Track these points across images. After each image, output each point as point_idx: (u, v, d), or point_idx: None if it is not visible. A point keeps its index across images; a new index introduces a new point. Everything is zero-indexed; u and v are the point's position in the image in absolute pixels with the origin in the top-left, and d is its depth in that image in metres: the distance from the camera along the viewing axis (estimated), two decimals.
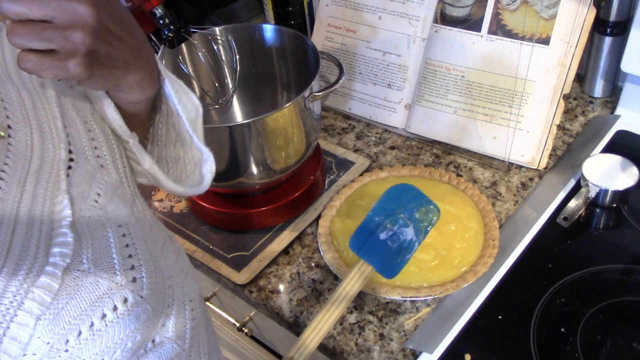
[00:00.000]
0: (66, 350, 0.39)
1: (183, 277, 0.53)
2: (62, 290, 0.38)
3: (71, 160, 0.44)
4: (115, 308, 0.41)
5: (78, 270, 0.39)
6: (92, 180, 0.45)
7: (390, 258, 0.62)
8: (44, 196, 0.40)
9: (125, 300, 0.41)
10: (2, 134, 0.41)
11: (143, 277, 0.43)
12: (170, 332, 0.48)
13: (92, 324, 0.39)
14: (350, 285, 0.61)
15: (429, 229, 0.64)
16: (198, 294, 0.56)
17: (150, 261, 0.46)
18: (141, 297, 0.43)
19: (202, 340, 0.54)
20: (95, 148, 0.48)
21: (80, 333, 0.39)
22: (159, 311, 0.46)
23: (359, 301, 0.76)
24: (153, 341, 0.46)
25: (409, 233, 0.62)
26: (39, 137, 0.43)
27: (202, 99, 0.98)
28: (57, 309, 0.38)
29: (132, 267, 0.43)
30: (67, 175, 0.43)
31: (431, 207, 0.65)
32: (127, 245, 0.43)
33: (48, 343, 0.38)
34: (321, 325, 0.60)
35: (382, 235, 0.62)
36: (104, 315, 0.40)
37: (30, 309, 0.37)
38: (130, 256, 0.43)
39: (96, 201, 0.44)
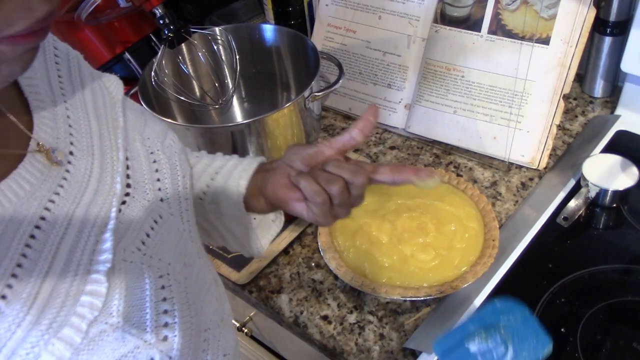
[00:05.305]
0: None
1: (222, 327, 0.51)
2: (83, 345, 0.36)
3: (127, 195, 0.42)
4: None
5: (106, 323, 0.37)
6: (145, 217, 0.43)
7: None
8: (90, 233, 0.38)
9: None
10: (61, 159, 0.39)
11: (176, 335, 0.41)
12: None
13: None
14: None
15: None
16: (233, 347, 0.53)
17: (188, 317, 0.43)
18: (169, 357, 0.40)
19: None
20: (158, 180, 0.46)
21: None
22: None
23: (359, 301, 0.76)
24: None
25: (506, 356, 0.51)
26: (98, 168, 0.41)
27: (202, 98, 0.98)
28: None
29: (166, 325, 0.40)
30: (119, 211, 0.41)
31: (540, 336, 0.52)
32: (164, 299, 0.41)
33: None
34: None
35: (472, 348, 0.52)
36: None
37: None
38: (165, 312, 0.41)
39: (143, 242, 0.41)
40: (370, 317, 0.74)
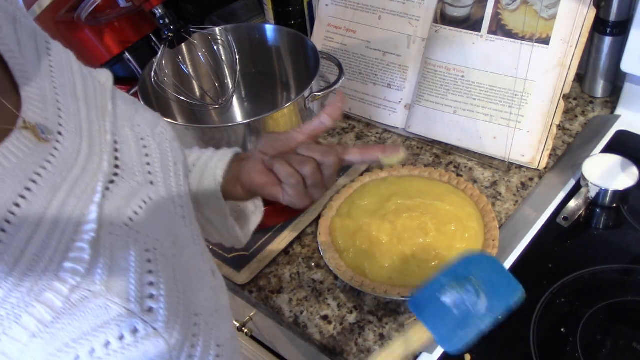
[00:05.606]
0: None
1: (216, 317, 0.50)
2: (65, 309, 0.35)
3: (115, 175, 0.43)
4: (121, 337, 0.38)
5: (88, 290, 0.36)
6: (133, 197, 0.43)
7: (452, 327, 0.52)
8: (75, 206, 0.38)
9: (135, 331, 0.38)
10: (50, 137, 0.39)
11: (161, 308, 0.40)
12: None
13: (92, 350, 0.37)
14: (397, 347, 0.53)
15: (502, 309, 0.52)
16: (228, 339, 0.52)
17: (175, 292, 0.42)
18: (154, 329, 0.39)
19: None
20: (148, 164, 0.46)
21: (77, 357, 0.36)
22: (178, 349, 0.42)
23: (359, 301, 0.76)
24: None
25: (479, 304, 0.51)
26: (87, 149, 0.42)
27: (202, 98, 0.98)
28: (56, 329, 0.35)
29: (151, 296, 0.40)
30: (107, 189, 0.41)
31: (512, 283, 0.53)
32: (150, 272, 0.40)
33: None
34: None
35: (446, 299, 0.52)
36: (107, 343, 0.37)
37: (26, 325, 0.34)
38: (151, 284, 0.40)
39: (131, 219, 0.41)
40: (370, 317, 0.74)
